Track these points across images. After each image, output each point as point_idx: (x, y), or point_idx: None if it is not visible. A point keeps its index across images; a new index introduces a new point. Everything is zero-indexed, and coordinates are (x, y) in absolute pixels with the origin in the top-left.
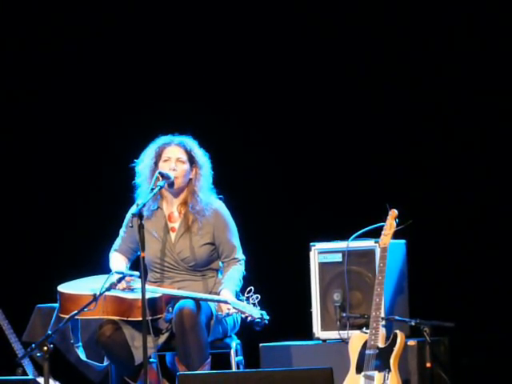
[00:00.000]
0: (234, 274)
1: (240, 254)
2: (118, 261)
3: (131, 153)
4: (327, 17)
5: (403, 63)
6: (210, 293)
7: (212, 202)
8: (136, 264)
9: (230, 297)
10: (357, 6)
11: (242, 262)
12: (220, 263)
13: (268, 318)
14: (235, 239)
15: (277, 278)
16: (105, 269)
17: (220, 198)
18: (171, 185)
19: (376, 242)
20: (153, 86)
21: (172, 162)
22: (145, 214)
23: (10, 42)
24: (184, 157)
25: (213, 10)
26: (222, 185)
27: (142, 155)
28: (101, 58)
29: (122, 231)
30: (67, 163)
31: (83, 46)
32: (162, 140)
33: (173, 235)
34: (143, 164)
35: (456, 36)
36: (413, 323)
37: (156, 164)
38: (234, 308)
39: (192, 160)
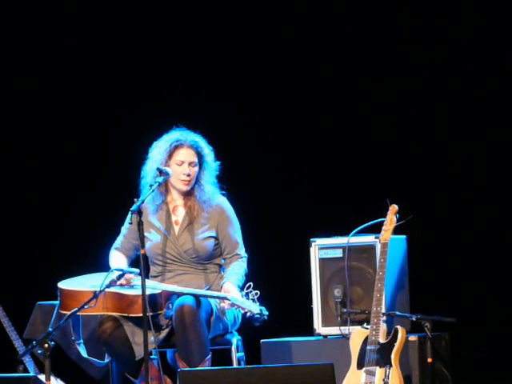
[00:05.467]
0: (237, 269)
1: (242, 251)
2: (117, 259)
3: (131, 150)
4: (329, 17)
5: (403, 62)
6: (211, 288)
7: (216, 197)
8: (137, 261)
9: (233, 289)
10: (359, 5)
11: (245, 260)
12: (222, 260)
13: (267, 313)
14: (238, 235)
15: (277, 273)
16: (105, 266)
17: (223, 194)
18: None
19: (376, 238)
20: (153, 82)
21: (186, 166)
22: (150, 208)
23: (10, 39)
24: (196, 159)
25: (215, 6)
26: (222, 181)
27: (153, 150)
28: (101, 53)
29: (124, 228)
30: (67, 161)
31: (82, 42)
32: (174, 137)
33: (176, 228)
34: (153, 161)
35: (455, 35)
36: (414, 318)
37: (166, 162)
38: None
39: (201, 161)
